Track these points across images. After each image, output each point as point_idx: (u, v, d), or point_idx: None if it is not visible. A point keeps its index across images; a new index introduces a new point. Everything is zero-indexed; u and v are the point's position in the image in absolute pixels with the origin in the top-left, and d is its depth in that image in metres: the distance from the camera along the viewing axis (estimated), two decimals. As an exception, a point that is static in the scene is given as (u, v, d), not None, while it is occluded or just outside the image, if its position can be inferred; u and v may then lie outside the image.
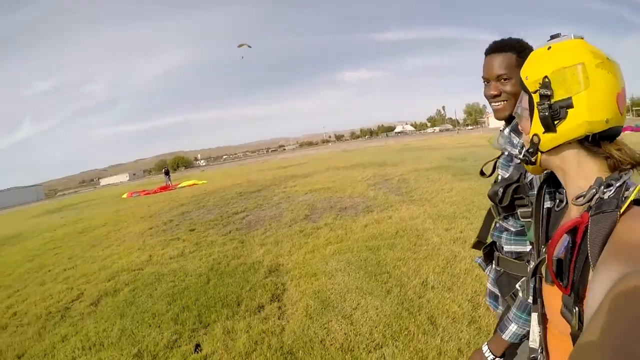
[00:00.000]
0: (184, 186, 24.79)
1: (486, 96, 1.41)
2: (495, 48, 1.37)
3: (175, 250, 6.88)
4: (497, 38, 1.44)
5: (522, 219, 1.32)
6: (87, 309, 4.66)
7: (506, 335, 1.16)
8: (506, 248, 1.42)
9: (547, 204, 0.97)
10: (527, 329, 1.14)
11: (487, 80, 1.39)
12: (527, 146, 0.87)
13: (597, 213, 0.67)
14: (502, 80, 1.34)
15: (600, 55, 0.75)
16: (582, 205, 0.74)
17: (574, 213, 0.81)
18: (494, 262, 1.52)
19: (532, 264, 1.08)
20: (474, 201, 7.36)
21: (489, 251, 1.59)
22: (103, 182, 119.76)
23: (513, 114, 1.29)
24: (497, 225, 1.49)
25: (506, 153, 1.44)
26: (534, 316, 0.91)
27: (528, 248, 1.34)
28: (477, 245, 1.63)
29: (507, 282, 1.41)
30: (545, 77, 0.77)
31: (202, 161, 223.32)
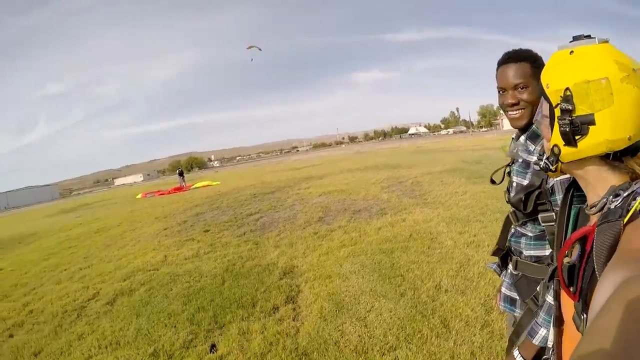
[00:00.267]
0: (198, 187, 24.93)
1: (503, 105, 1.44)
2: (510, 58, 1.40)
3: (190, 251, 6.98)
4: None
5: (543, 224, 1.36)
6: (103, 308, 4.77)
7: (536, 340, 1.20)
8: (526, 252, 1.47)
9: (576, 207, 0.97)
10: None
11: (503, 89, 1.42)
12: (547, 153, 0.85)
13: (602, 223, 0.67)
14: (520, 89, 1.37)
15: (627, 67, 0.70)
16: (594, 214, 0.75)
17: (593, 219, 0.80)
18: (510, 266, 1.56)
19: (550, 268, 1.12)
20: (487, 204, 7.32)
21: (504, 256, 1.63)
22: (117, 182, 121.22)
23: (533, 122, 1.32)
24: (515, 231, 1.54)
25: (520, 160, 1.47)
26: (551, 325, 0.93)
27: (548, 252, 1.39)
28: (497, 252, 1.67)
29: (526, 285, 1.46)
30: (567, 89, 0.74)
31: (215, 162, 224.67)
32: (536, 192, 1.33)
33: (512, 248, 1.55)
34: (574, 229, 0.95)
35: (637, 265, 0.55)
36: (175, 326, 3.89)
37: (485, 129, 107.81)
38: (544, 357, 0.95)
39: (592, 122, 0.71)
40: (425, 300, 3.69)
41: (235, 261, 5.89)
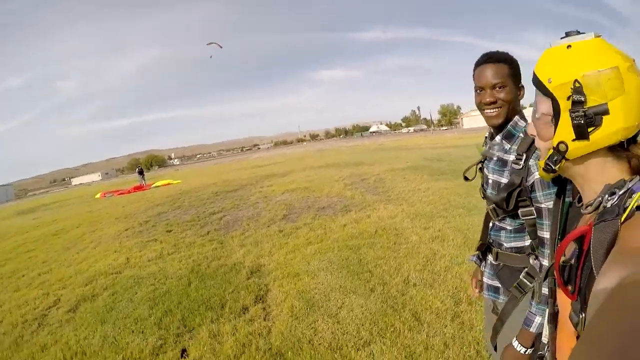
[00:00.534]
0: (159, 186, 24.31)
1: (481, 103, 1.46)
2: (490, 59, 1.43)
3: (153, 252, 6.74)
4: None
5: (522, 217, 1.41)
6: (66, 316, 4.50)
7: (533, 328, 1.28)
8: (506, 244, 1.53)
9: (568, 200, 0.98)
10: None
11: (481, 88, 1.45)
12: (544, 154, 0.84)
13: (599, 222, 0.67)
14: (498, 89, 1.41)
15: (627, 57, 0.72)
16: (590, 213, 0.75)
17: (587, 217, 0.81)
18: (491, 257, 1.62)
19: (544, 262, 1.14)
20: (450, 200, 7.53)
21: (484, 249, 1.70)
22: (75, 181, 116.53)
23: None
24: (494, 225, 1.59)
25: (495, 158, 1.52)
26: (546, 313, 0.95)
27: (527, 242, 1.46)
28: (480, 247, 1.73)
29: (509, 274, 1.52)
30: (576, 81, 0.72)
31: (176, 160, 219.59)
32: (517, 190, 1.37)
33: (492, 240, 1.61)
34: (566, 223, 0.97)
35: (634, 264, 0.55)
36: (142, 332, 3.73)
37: (446, 128, 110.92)
38: (539, 353, 0.96)
39: (607, 112, 0.70)
40: (395, 294, 3.73)
41: (201, 261, 5.74)
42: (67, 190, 58.72)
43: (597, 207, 0.72)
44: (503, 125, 1.47)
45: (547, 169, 0.84)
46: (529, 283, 1.41)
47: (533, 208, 1.35)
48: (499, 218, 1.52)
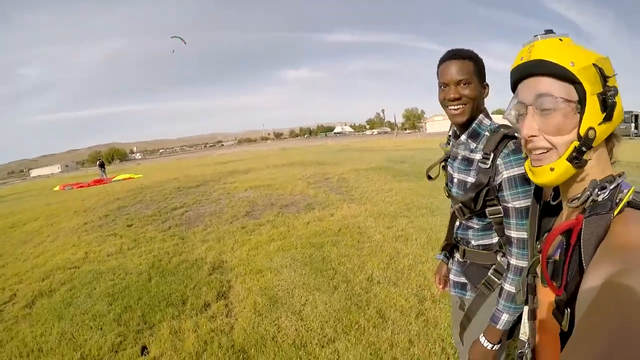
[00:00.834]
0: (120, 180, 23.47)
1: (445, 99, 1.42)
2: (455, 55, 1.40)
3: (113, 246, 6.46)
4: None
5: (490, 216, 1.40)
6: (22, 312, 4.23)
7: (500, 325, 1.28)
8: (474, 242, 1.52)
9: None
10: (517, 314, 1.24)
11: (445, 84, 1.40)
12: (564, 149, 0.76)
13: (590, 215, 0.67)
14: (462, 85, 1.37)
15: None
16: (576, 207, 0.74)
17: (567, 213, 0.82)
18: (457, 255, 1.62)
19: (511, 261, 1.14)
20: (413, 201, 7.66)
21: (451, 247, 1.69)
22: (33, 173, 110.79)
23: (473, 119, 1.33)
24: (461, 224, 1.58)
25: (460, 157, 1.50)
26: (526, 310, 0.93)
27: (495, 240, 1.45)
28: (446, 247, 1.73)
29: (476, 271, 1.52)
30: (594, 64, 0.72)
31: (137, 154, 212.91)
32: (484, 190, 1.35)
33: (460, 238, 1.60)
34: (540, 222, 0.97)
35: (625, 259, 0.55)
36: (101, 328, 3.55)
37: (409, 132, 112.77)
38: (519, 351, 0.95)
39: (617, 91, 0.73)
40: (359, 292, 3.73)
41: (162, 257, 5.54)
42: (25, 182, 55.52)
43: (585, 201, 0.71)
44: (467, 124, 1.44)
45: (578, 164, 0.75)
46: (496, 280, 1.42)
47: (500, 207, 1.34)
48: (465, 217, 1.51)
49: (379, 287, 3.77)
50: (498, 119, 1.32)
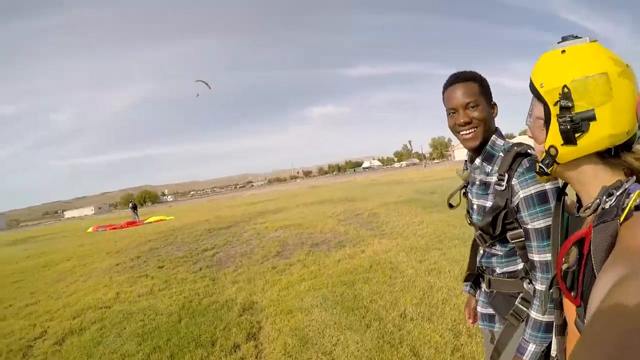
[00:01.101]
0: (152, 221, 24.16)
1: (455, 125, 1.40)
2: (458, 78, 1.39)
3: (144, 287, 6.57)
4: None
5: (512, 241, 1.34)
6: (51, 348, 4.34)
7: (527, 356, 1.20)
8: (499, 270, 1.45)
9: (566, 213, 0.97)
10: (545, 344, 1.17)
11: (453, 110, 1.38)
12: (539, 157, 0.84)
13: (598, 223, 0.66)
14: (471, 108, 1.35)
15: (621, 63, 0.72)
16: (588, 216, 0.74)
17: (588, 222, 0.79)
18: (483, 285, 1.55)
19: (536, 286, 1.10)
20: (444, 232, 7.49)
21: (476, 277, 1.62)
22: (67, 214, 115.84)
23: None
24: (484, 252, 1.52)
25: (477, 182, 1.46)
26: (554, 327, 0.91)
27: (520, 266, 1.39)
28: (468, 278, 1.65)
29: (503, 301, 1.44)
30: (565, 86, 0.72)
31: (169, 196, 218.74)
32: (502, 213, 1.30)
33: (484, 267, 1.53)
34: (566, 236, 0.94)
35: (632, 262, 0.54)
36: (129, 368, 3.58)
37: (438, 161, 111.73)
38: None
39: (593, 118, 0.70)
40: (392, 329, 3.61)
41: (192, 298, 5.58)
42: (60, 223, 57.95)
43: (596, 210, 0.71)
44: (481, 147, 1.40)
45: (539, 171, 0.86)
46: (525, 309, 1.33)
47: (521, 230, 1.29)
48: (487, 244, 1.45)
49: (412, 324, 3.65)
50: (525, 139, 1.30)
